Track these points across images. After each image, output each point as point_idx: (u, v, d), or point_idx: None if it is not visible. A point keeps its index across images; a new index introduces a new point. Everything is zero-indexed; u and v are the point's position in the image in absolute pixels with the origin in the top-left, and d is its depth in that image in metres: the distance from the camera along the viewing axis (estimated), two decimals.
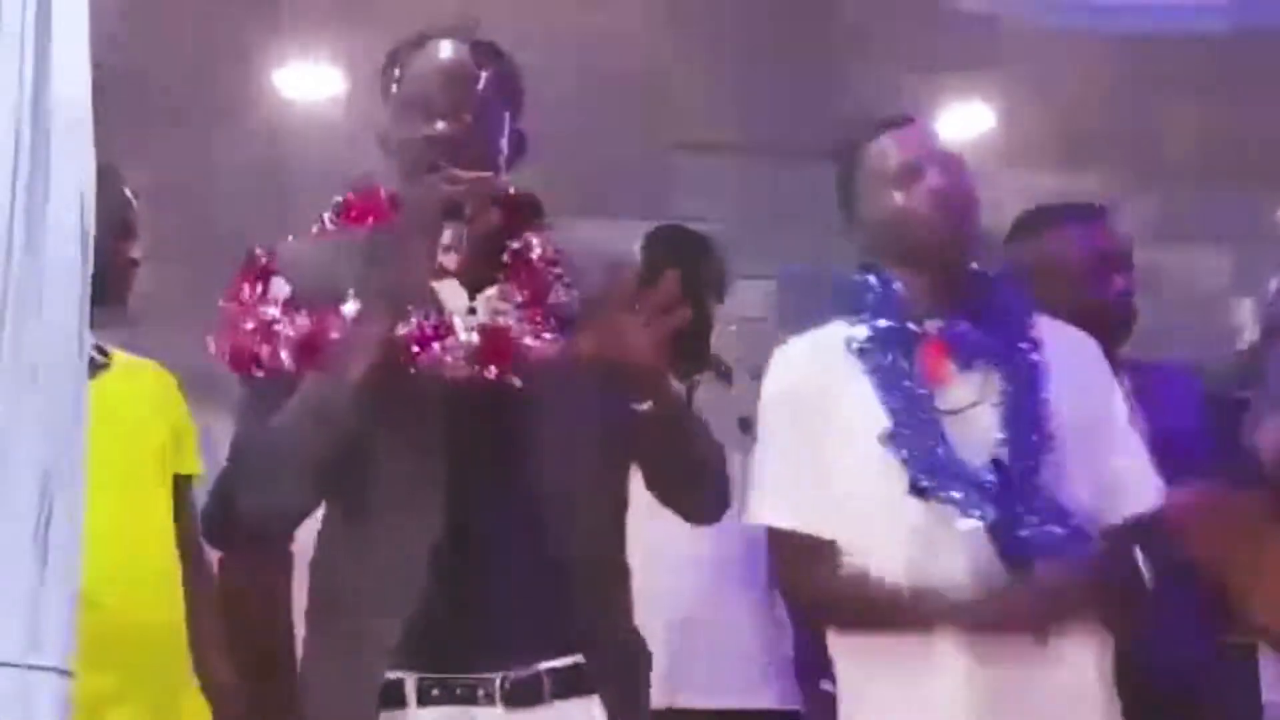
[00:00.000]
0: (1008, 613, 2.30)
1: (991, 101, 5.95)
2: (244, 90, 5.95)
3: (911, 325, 2.44)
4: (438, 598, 2.12)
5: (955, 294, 2.47)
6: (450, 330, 2.17)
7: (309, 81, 6.19)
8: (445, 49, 2.26)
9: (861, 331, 2.46)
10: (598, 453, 2.21)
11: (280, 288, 2.20)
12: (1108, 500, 2.43)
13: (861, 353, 2.44)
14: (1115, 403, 2.57)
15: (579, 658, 2.15)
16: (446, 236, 2.12)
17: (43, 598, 1.54)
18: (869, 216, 2.52)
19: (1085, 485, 2.40)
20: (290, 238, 2.33)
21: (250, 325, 2.19)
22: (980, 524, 2.31)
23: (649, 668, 2.29)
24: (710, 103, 5.36)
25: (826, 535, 2.42)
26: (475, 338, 2.17)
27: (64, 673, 1.51)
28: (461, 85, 2.22)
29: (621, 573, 2.28)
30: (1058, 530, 2.32)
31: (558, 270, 2.24)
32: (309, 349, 2.15)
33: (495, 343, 2.17)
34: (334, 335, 2.14)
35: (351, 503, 2.19)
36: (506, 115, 2.27)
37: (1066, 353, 2.50)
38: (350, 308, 2.15)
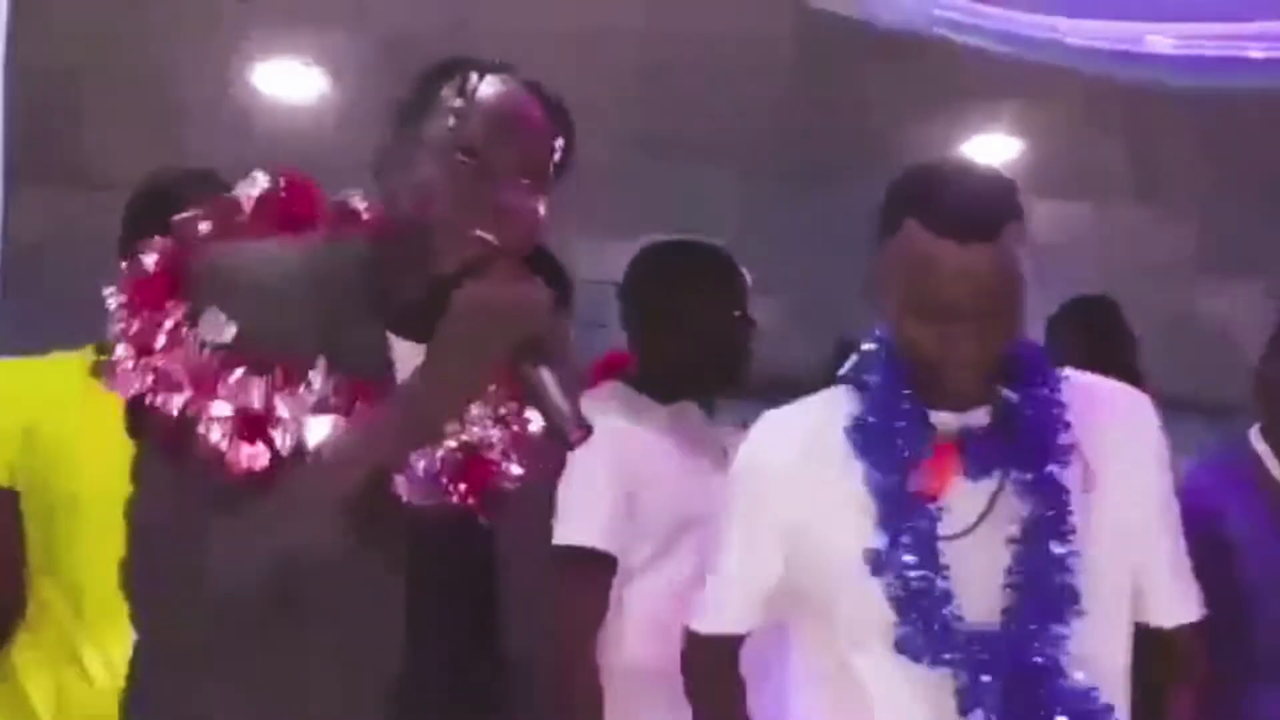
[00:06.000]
0: None
1: (1015, 133, 5.63)
2: (216, 88, 5.51)
3: (922, 418, 2.07)
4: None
5: (978, 382, 2.07)
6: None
7: (287, 79, 5.78)
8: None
9: (863, 410, 2.11)
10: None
11: (218, 320, 1.57)
12: (1139, 608, 2.18)
13: (859, 439, 2.10)
14: (1163, 492, 2.21)
15: None
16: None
17: None
18: (892, 303, 2.08)
19: (1115, 606, 2.13)
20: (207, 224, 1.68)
21: (162, 371, 1.56)
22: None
23: None
24: (714, 119, 5.01)
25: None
26: (458, 456, 1.69)
27: None
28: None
29: None
30: None
31: None
32: (254, 439, 1.56)
33: (477, 466, 1.70)
34: (281, 422, 1.57)
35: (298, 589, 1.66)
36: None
37: (1112, 432, 2.13)
38: (318, 381, 1.60)
